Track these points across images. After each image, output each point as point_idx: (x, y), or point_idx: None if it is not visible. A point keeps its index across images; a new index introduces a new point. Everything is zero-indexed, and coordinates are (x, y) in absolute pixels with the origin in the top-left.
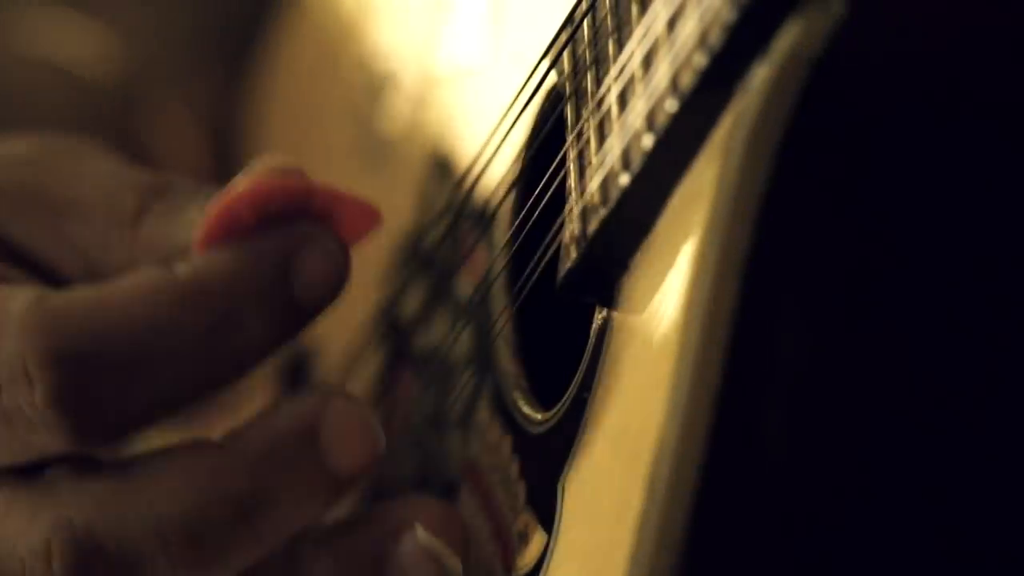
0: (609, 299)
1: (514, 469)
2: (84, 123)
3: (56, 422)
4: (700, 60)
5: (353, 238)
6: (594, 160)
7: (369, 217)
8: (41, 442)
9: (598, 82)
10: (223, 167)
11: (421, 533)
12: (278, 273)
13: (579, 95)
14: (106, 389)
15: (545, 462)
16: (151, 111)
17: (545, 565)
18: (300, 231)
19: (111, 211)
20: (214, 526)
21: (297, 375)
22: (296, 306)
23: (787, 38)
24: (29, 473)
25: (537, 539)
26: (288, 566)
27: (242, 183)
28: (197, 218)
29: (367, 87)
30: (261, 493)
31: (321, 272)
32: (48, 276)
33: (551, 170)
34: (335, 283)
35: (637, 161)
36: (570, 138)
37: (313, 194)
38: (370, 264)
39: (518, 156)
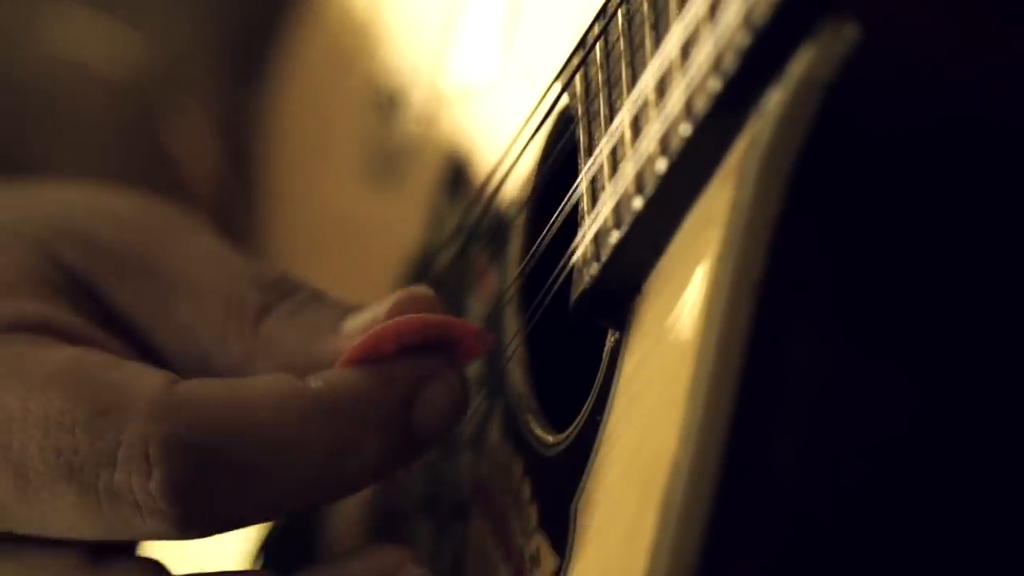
0: (621, 322)
1: (526, 491)
2: (105, 121)
3: (164, 510)
4: (714, 85)
5: (467, 360)
6: (607, 184)
7: (484, 343)
8: (140, 526)
9: (611, 106)
10: (236, 171)
11: None
12: (405, 400)
13: (591, 118)
14: (222, 487)
15: (557, 485)
16: (169, 112)
17: None
18: (431, 363)
19: (231, 302)
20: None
21: None
22: (412, 436)
23: (801, 63)
24: (101, 561)
25: (549, 562)
26: None
27: (387, 313)
28: (321, 325)
29: (376, 103)
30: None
31: (442, 405)
32: (146, 352)
33: (565, 193)
34: (453, 419)
35: (651, 185)
36: (583, 161)
37: (445, 327)
38: (380, 283)
39: (530, 177)
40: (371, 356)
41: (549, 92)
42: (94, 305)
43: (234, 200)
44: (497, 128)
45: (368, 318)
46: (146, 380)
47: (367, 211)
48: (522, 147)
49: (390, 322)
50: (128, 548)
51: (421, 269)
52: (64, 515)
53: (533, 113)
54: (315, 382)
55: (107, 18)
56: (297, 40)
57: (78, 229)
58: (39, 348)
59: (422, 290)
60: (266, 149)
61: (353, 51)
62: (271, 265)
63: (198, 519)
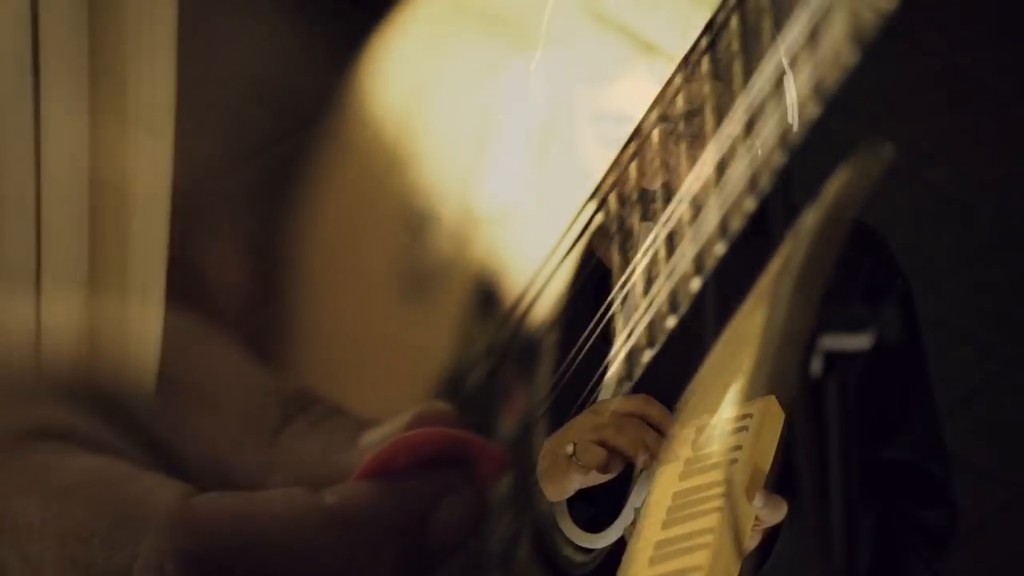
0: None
1: None
2: None
3: None
4: (749, 204)
5: (486, 481)
6: (640, 302)
7: (499, 461)
8: None
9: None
10: (265, 287)
11: None
12: (419, 514)
13: (625, 237)
14: None
15: None
16: (197, 227)
17: None
18: (447, 478)
19: (251, 417)
20: None
21: None
22: (425, 549)
23: (836, 182)
24: None
25: None
26: None
27: (404, 428)
28: (339, 439)
29: (407, 223)
30: None
31: (457, 520)
32: (169, 458)
33: (596, 313)
34: (467, 534)
35: (684, 304)
36: (616, 280)
37: (463, 443)
38: (409, 401)
39: (562, 296)
40: (385, 469)
41: (583, 211)
42: (118, 414)
43: (262, 315)
44: (528, 248)
45: (385, 432)
46: (164, 493)
47: (397, 330)
48: (554, 266)
49: (405, 435)
50: None
51: (451, 388)
52: None
53: (567, 232)
54: (330, 497)
55: (133, 131)
56: (329, 159)
57: None
58: (63, 457)
59: (441, 405)
60: (295, 266)
61: (384, 170)
62: (293, 379)
63: None
